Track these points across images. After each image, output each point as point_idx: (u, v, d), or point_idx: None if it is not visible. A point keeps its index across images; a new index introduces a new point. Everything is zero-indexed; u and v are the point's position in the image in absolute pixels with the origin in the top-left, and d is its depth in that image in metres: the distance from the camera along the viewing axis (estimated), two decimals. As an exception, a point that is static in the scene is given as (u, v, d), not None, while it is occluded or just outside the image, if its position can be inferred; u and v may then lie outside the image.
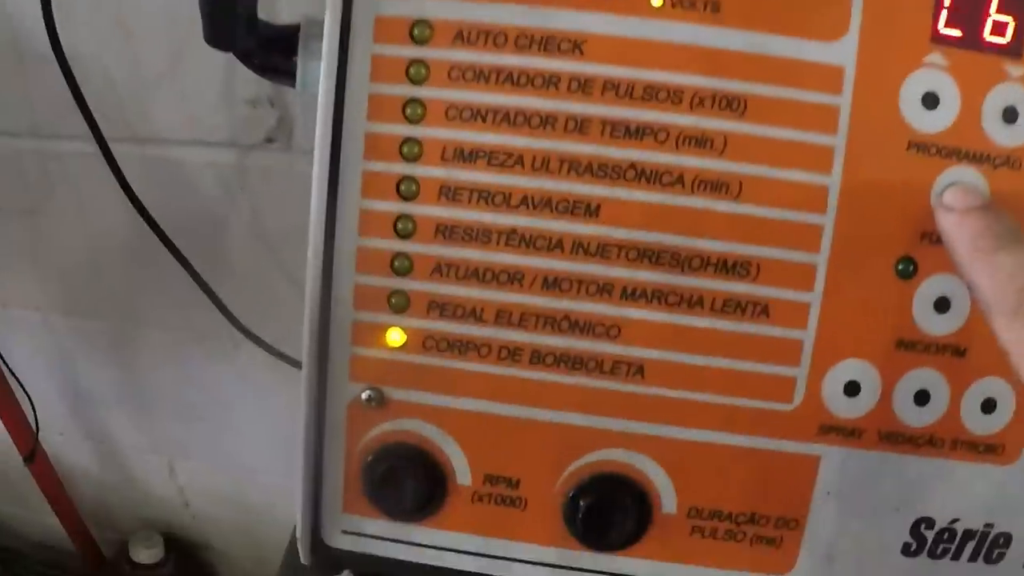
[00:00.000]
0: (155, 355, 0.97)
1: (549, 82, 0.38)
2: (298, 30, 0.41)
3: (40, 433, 0.98)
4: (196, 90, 0.78)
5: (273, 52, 0.42)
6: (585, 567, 0.42)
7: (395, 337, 0.40)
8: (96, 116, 0.68)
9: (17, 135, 0.88)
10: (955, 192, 0.38)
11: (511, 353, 0.40)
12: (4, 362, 0.91)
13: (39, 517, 1.11)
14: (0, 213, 0.90)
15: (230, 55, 0.42)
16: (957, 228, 0.37)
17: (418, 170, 0.39)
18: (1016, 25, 0.38)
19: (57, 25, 0.64)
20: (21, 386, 0.94)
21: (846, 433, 0.40)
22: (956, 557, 0.42)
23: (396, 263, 0.39)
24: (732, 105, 0.38)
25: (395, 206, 0.39)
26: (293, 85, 0.41)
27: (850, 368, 0.40)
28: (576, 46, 0.38)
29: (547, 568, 0.42)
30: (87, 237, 0.91)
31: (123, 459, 1.09)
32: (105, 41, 0.78)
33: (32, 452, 0.98)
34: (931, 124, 0.38)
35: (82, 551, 1.13)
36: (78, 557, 1.13)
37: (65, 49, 0.64)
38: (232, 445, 1.01)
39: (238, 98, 0.77)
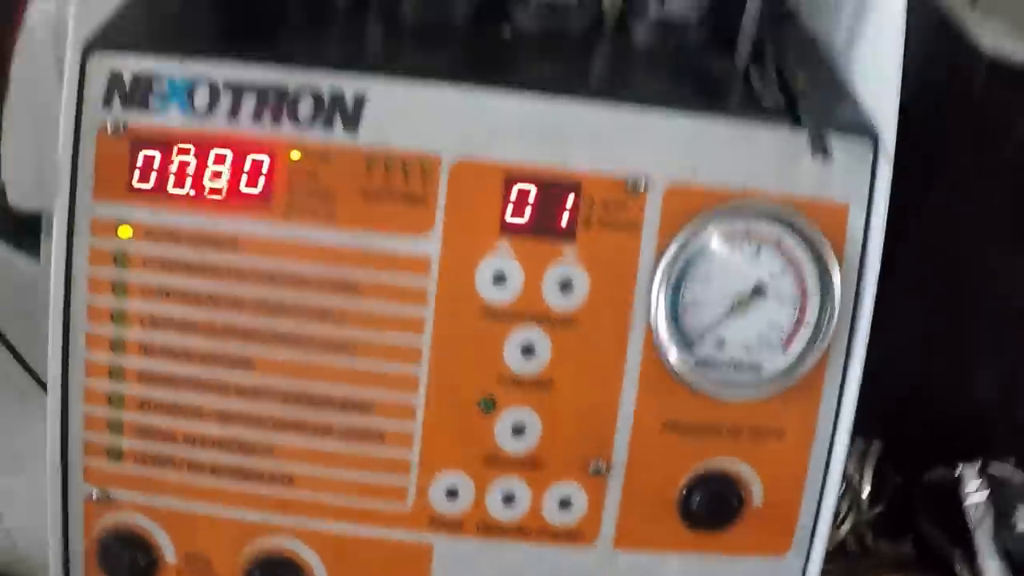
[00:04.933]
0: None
1: (213, 270, 0.57)
2: (40, 216, 0.60)
3: None
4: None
5: (24, 232, 0.61)
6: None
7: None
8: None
9: None
10: None
11: (197, 466, 0.59)
12: None
13: None
14: None
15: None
16: None
17: (125, 332, 0.58)
18: (570, 214, 0.55)
19: None
20: None
21: (451, 526, 0.59)
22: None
23: (111, 399, 0.58)
24: (346, 287, 0.56)
25: (108, 358, 0.58)
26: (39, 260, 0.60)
27: (449, 478, 0.58)
28: (233, 243, 0.57)
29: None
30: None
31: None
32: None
33: None
34: (500, 296, 0.57)
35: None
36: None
37: None
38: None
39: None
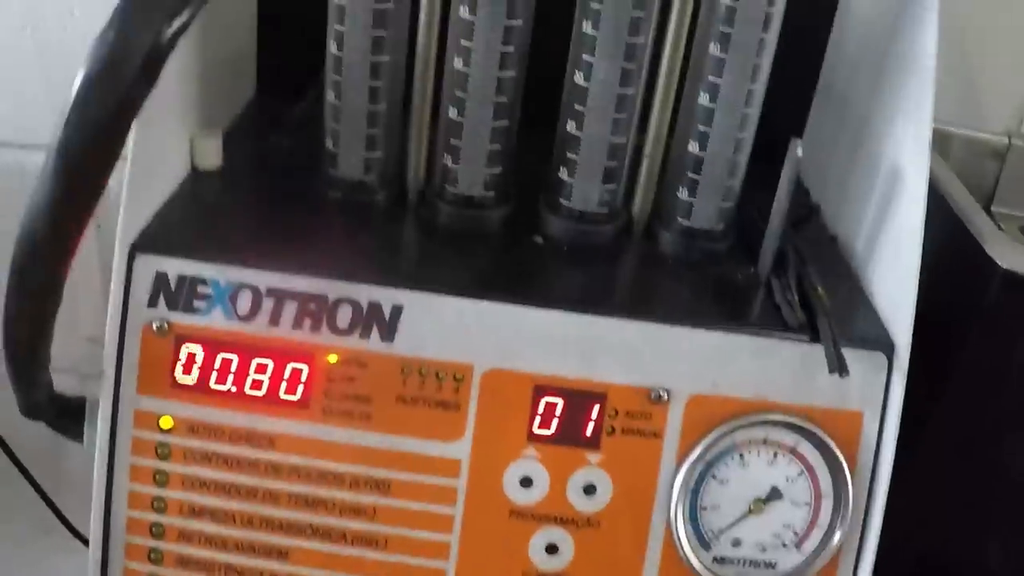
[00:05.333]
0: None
1: (252, 465, 0.60)
2: (84, 402, 0.63)
3: None
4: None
5: (68, 419, 0.64)
6: None
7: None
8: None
9: None
10: None
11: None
12: None
13: None
14: None
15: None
16: None
17: (164, 518, 0.60)
18: (595, 423, 0.58)
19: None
20: None
21: None
22: None
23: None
24: (379, 486, 0.59)
25: (147, 542, 0.61)
26: (82, 442, 0.63)
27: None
28: (271, 441, 0.59)
29: None
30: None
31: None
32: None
33: None
34: (526, 498, 0.59)
35: None
36: None
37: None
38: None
39: (80, 335, 0.98)
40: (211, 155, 0.65)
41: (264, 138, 0.71)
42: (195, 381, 0.57)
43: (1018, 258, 0.62)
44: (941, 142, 0.59)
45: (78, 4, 0.90)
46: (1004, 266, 0.62)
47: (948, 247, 0.64)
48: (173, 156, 0.63)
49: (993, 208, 0.85)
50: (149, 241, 0.58)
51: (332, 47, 0.61)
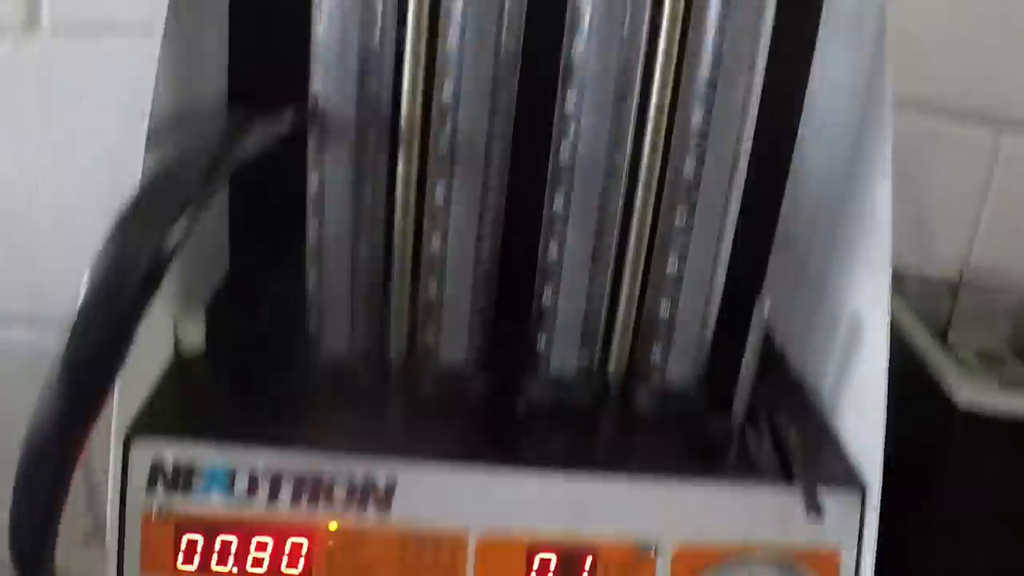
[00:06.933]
0: None
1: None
2: None
3: None
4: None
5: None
6: None
7: None
8: None
9: None
10: None
11: None
12: None
13: None
14: None
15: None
16: None
17: None
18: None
19: None
20: None
21: None
22: None
23: None
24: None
25: None
26: None
27: None
28: (274, 620, 0.62)
29: None
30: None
31: None
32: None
33: None
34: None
35: None
36: None
37: None
38: None
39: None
40: (194, 337, 0.68)
41: (244, 318, 0.74)
42: (196, 567, 0.60)
43: (976, 397, 0.67)
44: (896, 283, 0.64)
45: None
46: (964, 405, 0.67)
47: (909, 385, 0.68)
48: (157, 340, 0.66)
49: (951, 337, 0.90)
50: (144, 428, 0.61)
51: (312, 236, 0.65)
